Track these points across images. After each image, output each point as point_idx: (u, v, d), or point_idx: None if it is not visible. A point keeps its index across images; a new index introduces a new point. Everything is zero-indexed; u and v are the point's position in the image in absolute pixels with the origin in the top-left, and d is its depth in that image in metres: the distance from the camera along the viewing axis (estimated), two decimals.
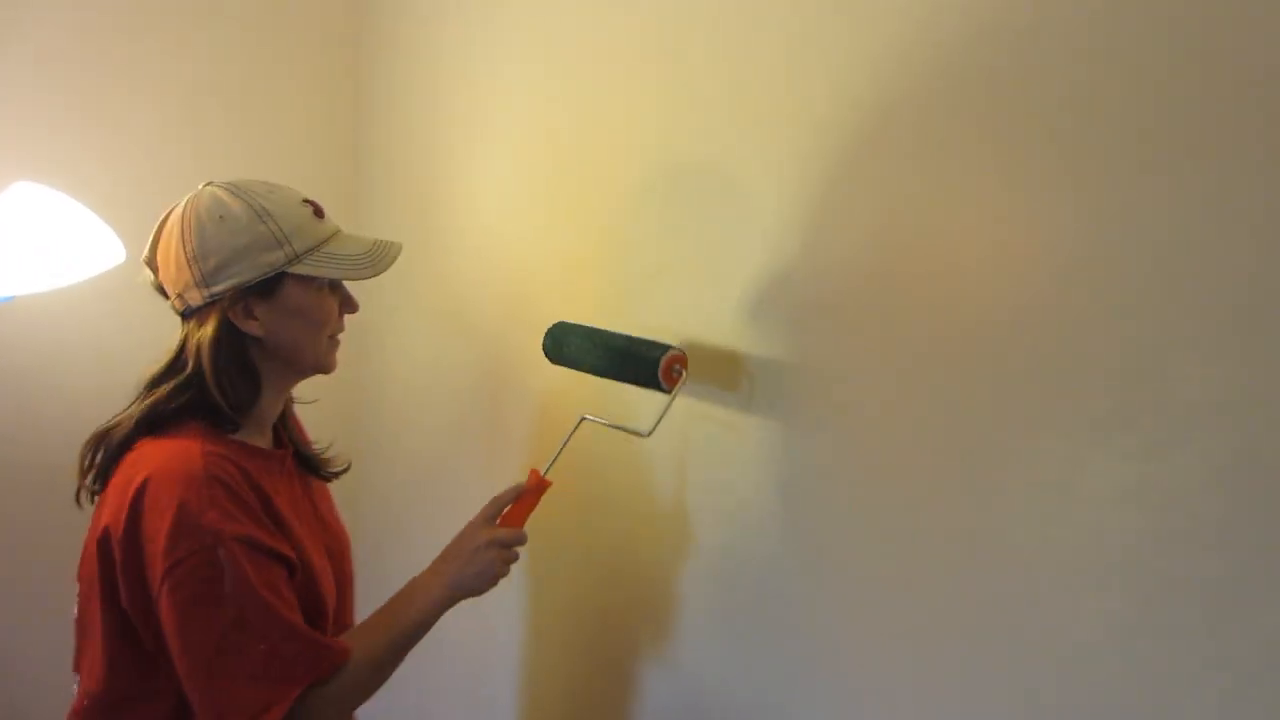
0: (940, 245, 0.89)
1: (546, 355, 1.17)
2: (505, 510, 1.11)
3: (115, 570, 0.95)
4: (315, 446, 1.19)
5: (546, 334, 1.16)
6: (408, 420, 1.82)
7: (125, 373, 1.64)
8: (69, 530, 1.68)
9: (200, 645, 0.92)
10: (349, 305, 1.11)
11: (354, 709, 1.03)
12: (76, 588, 1.05)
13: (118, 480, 0.99)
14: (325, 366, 1.10)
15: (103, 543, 0.96)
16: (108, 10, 1.64)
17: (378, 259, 1.07)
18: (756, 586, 1.08)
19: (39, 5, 1.58)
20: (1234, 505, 0.70)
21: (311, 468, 1.18)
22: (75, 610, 1.05)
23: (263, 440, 1.09)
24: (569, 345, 1.14)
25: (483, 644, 1.53)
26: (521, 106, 1.45)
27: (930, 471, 0.90)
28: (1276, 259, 0.67)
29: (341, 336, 1.12)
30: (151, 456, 0.98)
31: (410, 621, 1.04)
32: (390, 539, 1.81)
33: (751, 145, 1.05)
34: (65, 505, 1.61)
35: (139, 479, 0.95)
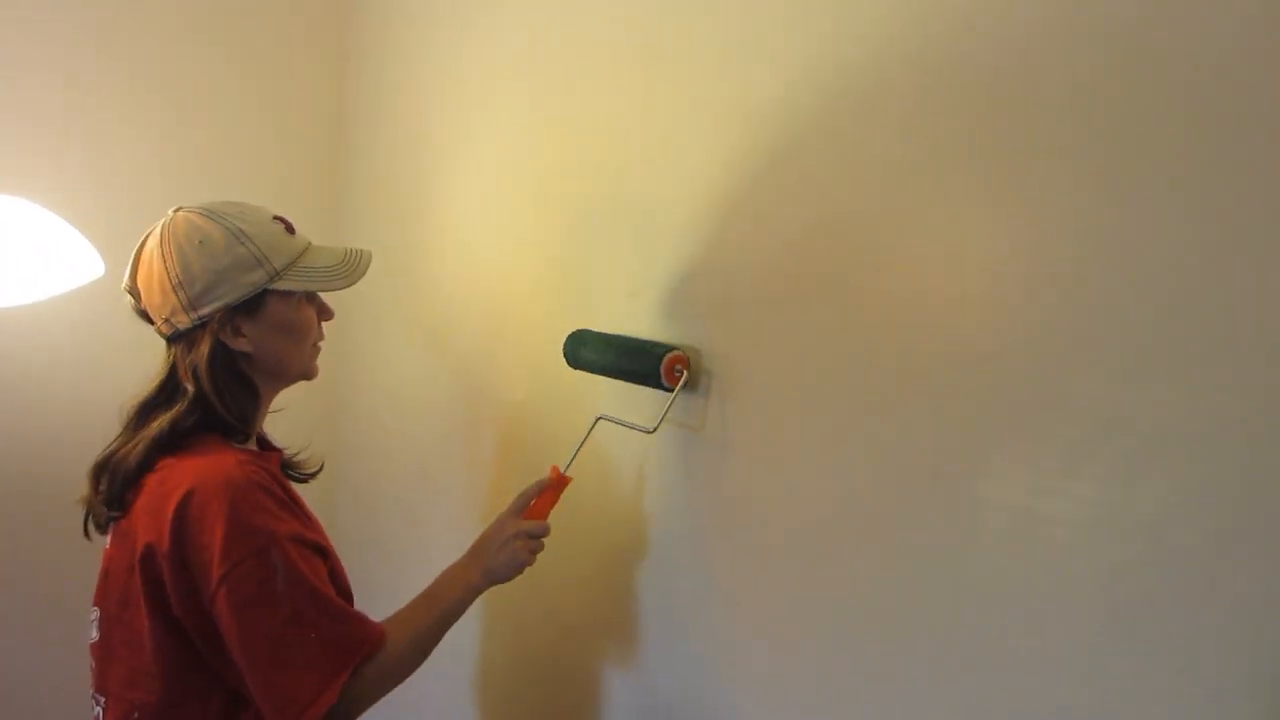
0: (896, 265, 0.90)
1: (566, 359, 1.22)
2: (530, 504, 1.17)
3: (164, 583, 0.98)
4: (287, 451, 1.22)
5: (566, 341, 1.22)
6: (386, 426, 1.83)
7: (99, 387, 1.65)
8: (41, 543, 1.70)
9: (260, 642, 0.96)
10: (325, 313, 1.16)
11: (394, 686, 1.07)
12: (94, 613, 1.08)
13: (148, 500, 1.01)
14: (309, 373, 1.15)
15: (146, 560, 0.98)
16: (86, 25, 1.64)
17: (352, 268, 1.12)
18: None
19: (12, 21, 1.58)
20: (1202, 534, 0.69)
21: (288, 469, 1.21)
22: (95, 634, 1.07)
23: (254, 446, 1.13)
24: (583, 350, 1.19)
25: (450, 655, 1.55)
26: (498, 126, 1.46)
27: (894, 497, 0.90)
28: (1243, 289, 0.67)
29: (322, 344, 1.16)
30: (185, 471, 1.00)
31: (447, 605, 1.10)
32: (368, 540, 1.83)
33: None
34: (38, 519, 1.62)
35: (179, 493, 0.97)
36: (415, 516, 1.70)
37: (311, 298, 1.12)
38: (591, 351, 1.18)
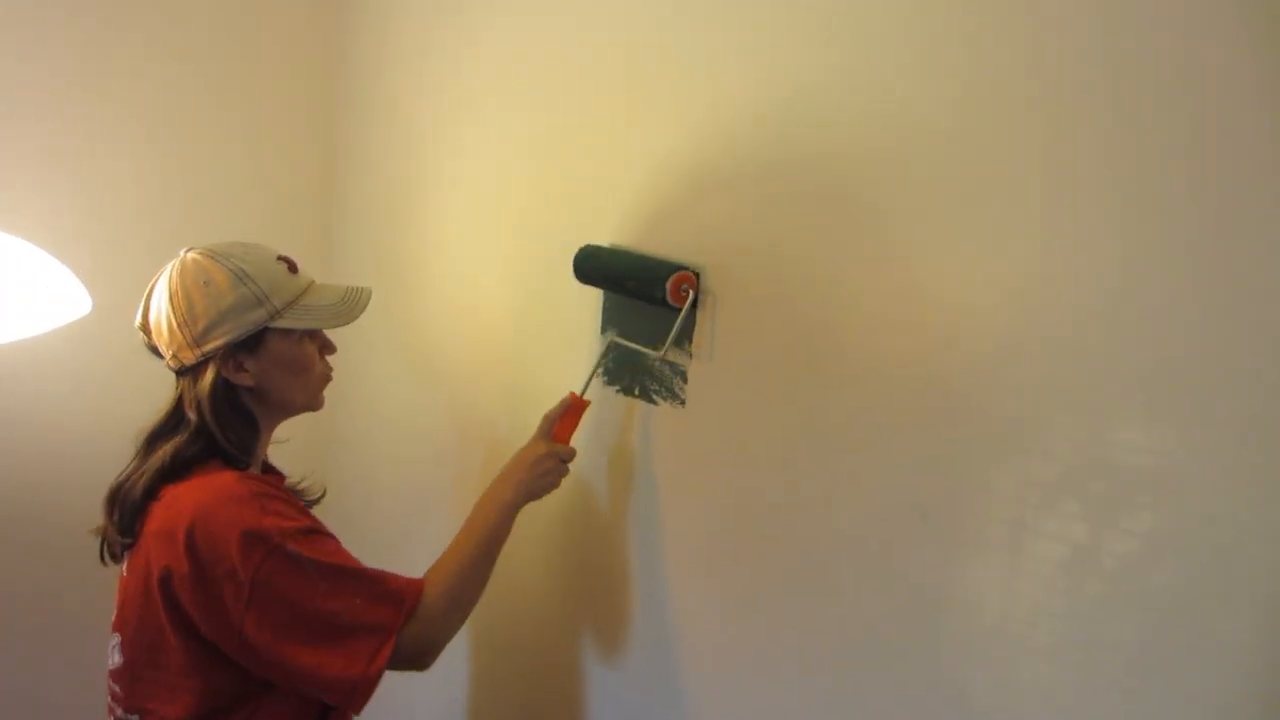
0: (872, 293, 0.94)
1: (575, 274, 1.24)
2: (553, 428, 1.24)
3: (185, 607, 1.02)
4: (290, 479, 1.25)
5: (576, 255, 1.24)
6: (378, 451, 1.88)
7: (87, 422, 1.68)
8: (26, 572, 1.70)
9: (303, 629, 1.01)
10: (327, 348, 1.22)
11: (459, 619, 1.12)
12: (114, 639, 1.11)
13: (156, 526, 1.06)
14: (314, 405, 1.21)
15: (165, 585, 1.02)
16: (76, 60, 1.66)
17: (351, 306, 1.18)
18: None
19: (5, 57, 1.60)
20: (1184, 574, 0.70)
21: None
22: (117, 659, 1.11)
23: (256, 472, 1.18)
24: (592, 265, 1.23)
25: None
26: (482, 164, 1.53)
27: (870, 529, 0.95)
28: (1227, 329, 0.69)
29: (331, 375, 1.22)
30: (189, 495, 1.05)
31: (487, 528, 1.15)
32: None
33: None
34: (22, 549, 1.62)
35: (186, 516, 1.02)
36: (406, 538, 1.74)
37: (313, 334, 1.18)
38: (599, 267, 1.21)
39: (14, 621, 1.75)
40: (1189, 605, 0.72)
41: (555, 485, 1.22)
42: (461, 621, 1.12)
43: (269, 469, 1.23)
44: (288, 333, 1.13)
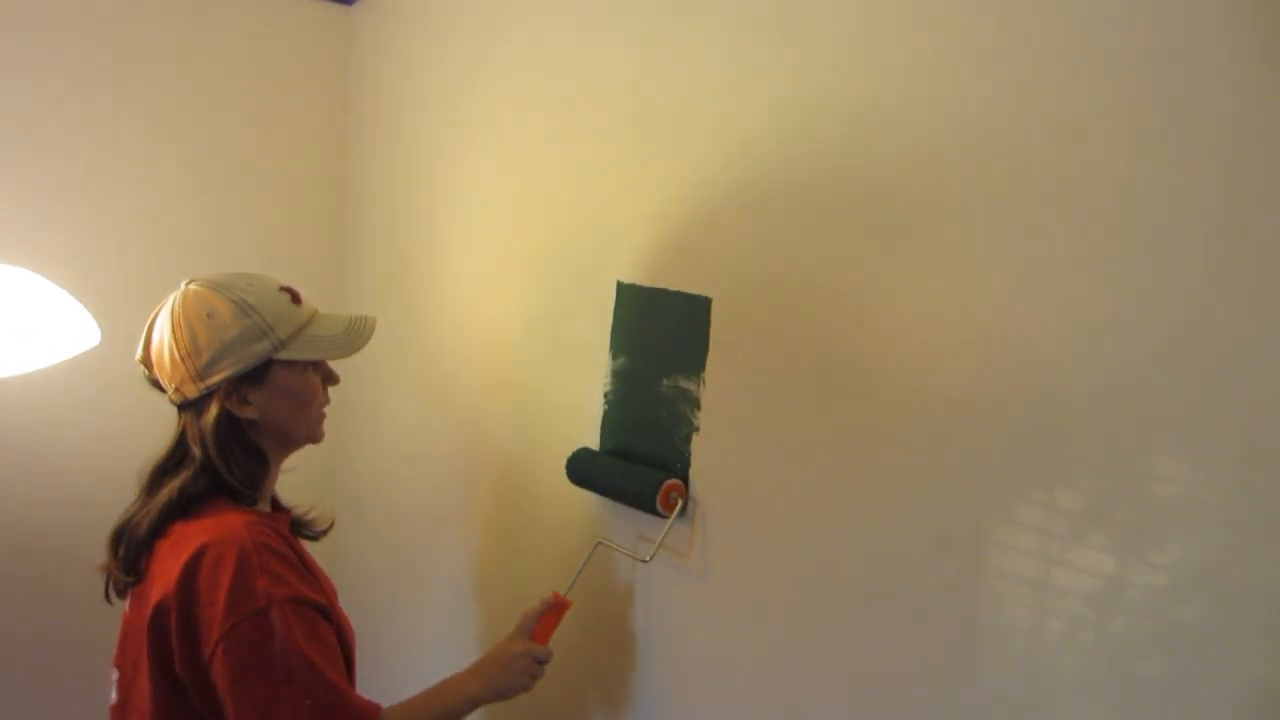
0: (906, 325, 0.92)
1: (569, 478, 1.27)
2: (533, 626, 1.21)
3: (170, 639, 1.00)
4: (297, 510, 1.24)
5: (568, 461, 1.28)
6: (388, 477, 1.87)
7: (99, 453, 1.67)
8: (36, 606, 1.70)
9: (253, 702, 0.96)
10: (331, 379, 1.19)
11: None
12: (114, 674, 1.10)
13: (162, 563, 1.04)
14: (315, 437, 1.18)
15: (158, 616, 1.00)
16: (90, 96, 1.68)
17: (355, 336, 1.16)
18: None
19: (18, 92, 1.61)
20: (1214, 610, 0.68)
21: (299, 528, 1.23)
22: (115, 695, 1.09)
23: (266, 508, 1.16)
24: (585, 472, 1.26)
25: None
26: (493, 196, 1.53)
27: (889, 559, 0.93)
28: (1264, 363, 0.67)
29: (326, 409, 1.19)
30: (197, 533, 1.03)
31: (449, 707, 1.12)
32: (370, 590, 1.84)
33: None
34: (31, 582, 1.61)
35: (189, 551, 1.00)
36: (417, 564, 1.73)
37: (316, 365, 1.16)
38: (591, 474, 1.24)
39: (24, 655, 1.74)
40: (1219, 641, 0.70)
41: (528, 688, 1.18)
42: None
43: (277, 505, 1.21)
44: (292, 364, 1.11)
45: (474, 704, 1.14)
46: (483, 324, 1.57)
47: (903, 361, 0.92)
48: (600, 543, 1.24)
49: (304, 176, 1.95)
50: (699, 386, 1.15)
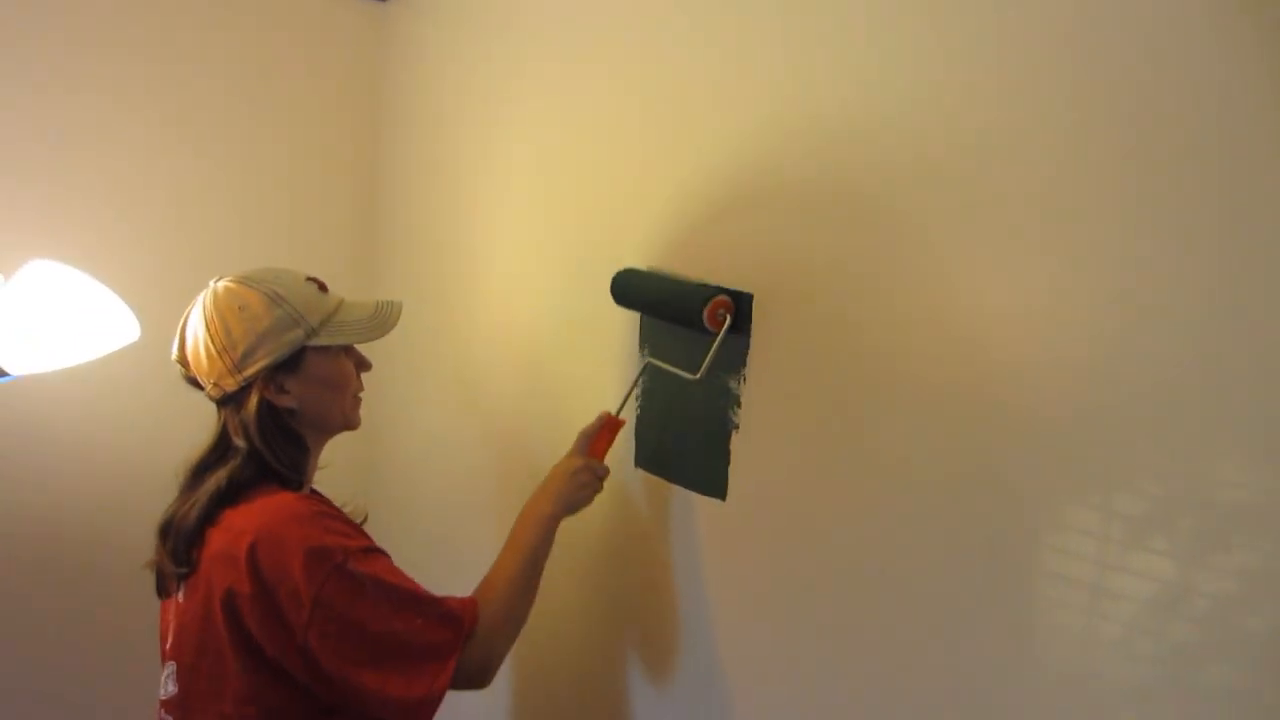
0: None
1: (613, 297, 1.24)
2: (589, 444, 1.25)
3: (248, 626, 1.01)
4: (334, 503, 1.24)
5: (613, 278, 1.24)
6: (422, 468, 1.87)
7: (141, 446, 1.69)
8: (75, 601, 1.72)
9: (370, 647, 1.00)
10: (363, 365, 1.21)
11: (514, 633, 1.12)
12: (168, 669, 1.11)
13: (216, 550, 1.04)
14: (352, 423, 1.20)
15: (228, 605, 1.01)
16: (128, 93, 1.69)
17: (383, 320, 1.19)
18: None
19: (59, 88, 1.63)
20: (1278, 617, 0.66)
21: None
22: (172, 689, 1.09)
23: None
24: (629, 288, 1.23)
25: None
26: (531, 186, 1.52)
27: (946, 561, 0.91)
28: None
29: (361, 395, 1.21)
30: (249, 516, 1.04)
31: (531, 544, 1.16)
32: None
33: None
34: (70, 578, 1.64)
35: (248, 536, 1.01)
36: (449, 558, 1.73)
37: (348, 351, 1.18)
38: (636, 290, 1.22)
39: (61, 648, 1.75)
40: None
41: (590, 500, 1.23)
42: (515, 637, 1.12)
43: (315, 494, 1.22)
44: (325, 350, 1.13)
45: (553, 523, 1.18)
46: (513, 312, 1.56)
47: (959, 363, 0.90)
48: (649, 361, 1.24)
49: (337, 172, 1.95)
50: (740, 384, 1.13)
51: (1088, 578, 0.79)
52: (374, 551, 1.07)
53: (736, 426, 1.14)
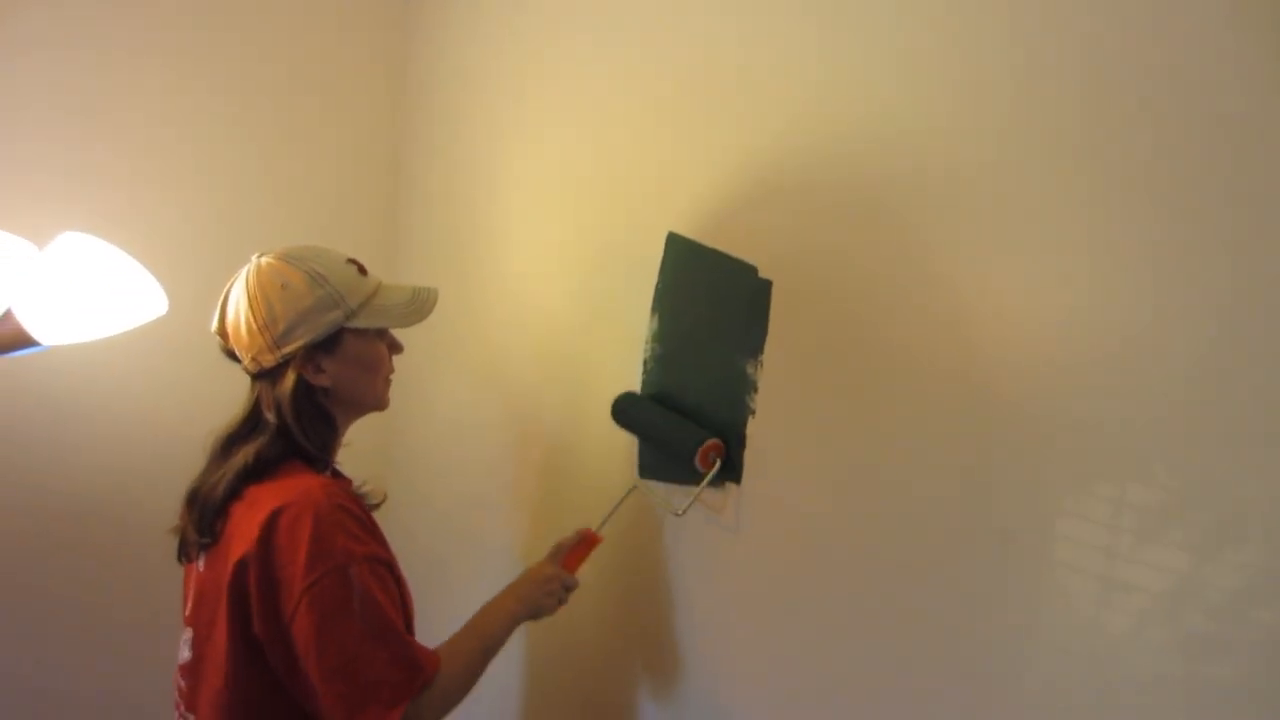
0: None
1: (614, 419, 1.29)
2: (565, 556, 1.28)
3: (249, 598, 1.03)
4: (354, 482, 1.26)
5: (614, 402, 1.30)
6: (440, 450, 1.90)
7: (166, 420, 1.72)
8: (105, 571, 1.75)
9: (336, 653, 1.00)
10: (395, 348, 1.23)
11: (448, 710, 1.12)
12: (187, 633, 1.13)
13: (239, 523, 1.07)
14: (382, 404, 1.22)
15: (237, 574, 1.04)
16: (159, 70, 1.72)
17: (420, 305, 1.20)
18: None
19: (91, 63, 1.66)
20: None
21: None
22: (188, 654, 1.13)
23: (330, 475, 1.19)
24: (628, 418, 1.28)
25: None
26: (553, 174, 1.53)
27: (957, 554, 0.91)
28: None
29: (392, 377, 1.23)
30: (274, 493, 1.06)
31: (492, 633, 1.18)
32: (423, 566, 1.86)
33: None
34: (100, 548, 1.67)
35: (267, 510, 1.03)
36: (465, 540, 1.75)
37: (383, 333, 1.19)
38: (633, 420, 1.27)
39: (88, 615, 1.79)
40: None
41: (554, 610, 1.25)
42: (453, 707, 1.12)
43: (337, 473, 1.24)
44: (362, 332, 1.15)
45: (515, 622, 1.21)
46: (533, 299, 1.57)
47: (975, 356, 0.90)
48: (636, 485, 1.26)
49: (362, 156, 1.98)
50: (756, 369, 1.14)
51: (1100, 569, 0.80)
52: (379, 563, 1.07)
53: (753, 412, 1.15)
